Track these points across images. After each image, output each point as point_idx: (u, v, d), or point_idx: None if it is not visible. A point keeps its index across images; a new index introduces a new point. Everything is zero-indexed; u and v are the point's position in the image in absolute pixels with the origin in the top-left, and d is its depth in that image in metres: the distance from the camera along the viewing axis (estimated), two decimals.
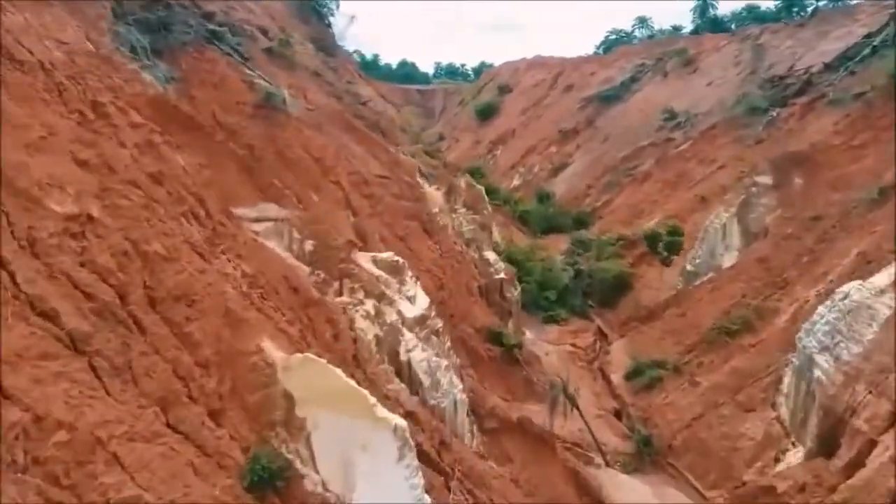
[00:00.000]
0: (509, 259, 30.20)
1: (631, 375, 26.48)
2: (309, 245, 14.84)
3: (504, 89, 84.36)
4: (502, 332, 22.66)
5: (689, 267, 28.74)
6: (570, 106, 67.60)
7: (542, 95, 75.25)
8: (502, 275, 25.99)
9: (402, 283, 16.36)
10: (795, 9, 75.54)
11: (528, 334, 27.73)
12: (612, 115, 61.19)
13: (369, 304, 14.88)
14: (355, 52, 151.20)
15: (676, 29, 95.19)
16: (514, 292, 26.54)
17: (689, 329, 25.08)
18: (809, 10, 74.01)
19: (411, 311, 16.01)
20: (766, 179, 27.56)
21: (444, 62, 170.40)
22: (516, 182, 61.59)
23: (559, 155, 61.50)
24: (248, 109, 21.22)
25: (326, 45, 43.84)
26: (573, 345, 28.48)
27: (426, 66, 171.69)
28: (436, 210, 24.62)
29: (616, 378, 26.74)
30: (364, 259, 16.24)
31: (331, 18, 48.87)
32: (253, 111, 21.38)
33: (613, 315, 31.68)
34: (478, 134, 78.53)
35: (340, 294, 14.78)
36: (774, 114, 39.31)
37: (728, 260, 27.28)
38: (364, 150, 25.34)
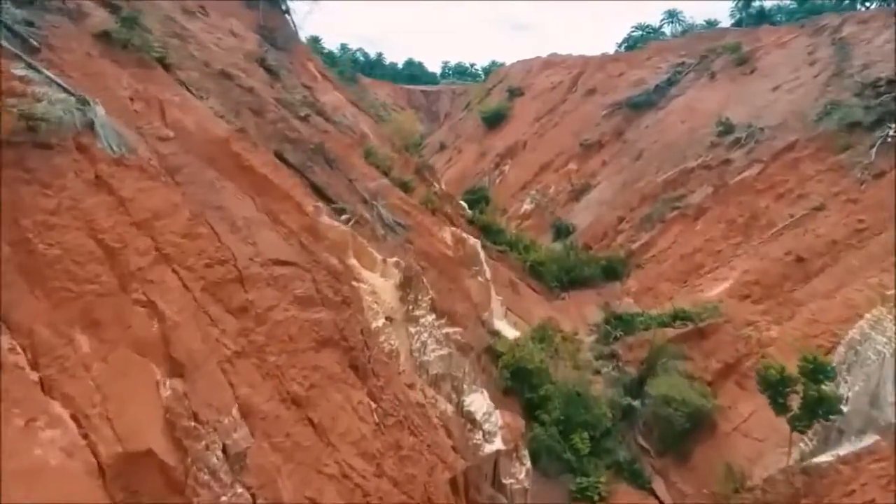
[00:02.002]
0: (514, 375, 19.01)
1: None
2: None
3: (515, 92, 73.04)
4: None
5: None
6: (593, 113, 56.35)
7: (559, 100, 63.94)
8: (498, 443, 15.03)
9: None
10: None
11: None
12: (645, 126, 49.94)
13: None
14: (358, 49, 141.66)
15: (711, 24, 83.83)
16: (521, 471, 15.55)
17: None
18: None
19: None
20: None
21: (453, 61, 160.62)
22: (527, 206, 50.45)
23: (580, 174, 50.28)
24: None
25: (279, 36, 33.29)
26: None
27: (435, 66, 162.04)
28: (380, 322, 13.66)
29: None
30: None
31: (289, 4, 38.45)
32: None
33: (687, 478, 20.01)
34: (483, 144, 67.34)
35: None
36: (892, 132, 28.00)
37: None
38: (257, 211, 14.46)
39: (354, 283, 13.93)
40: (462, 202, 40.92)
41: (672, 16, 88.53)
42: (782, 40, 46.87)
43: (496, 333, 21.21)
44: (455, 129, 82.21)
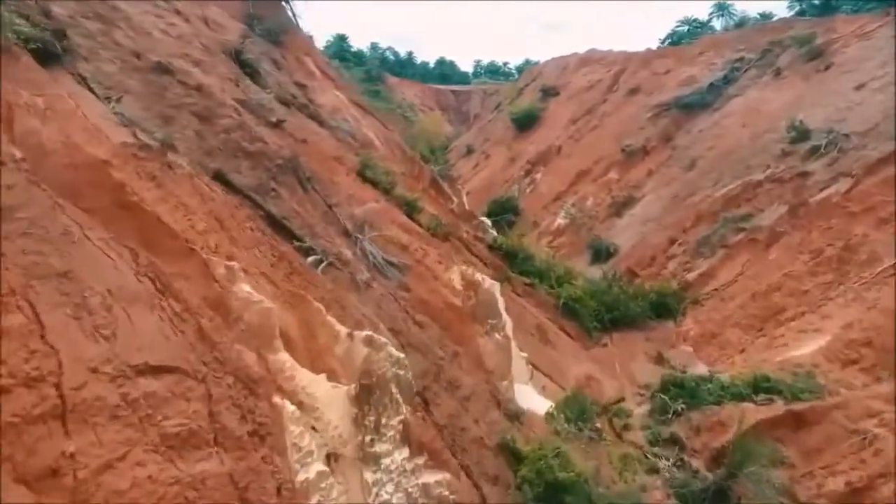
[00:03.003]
0: (541, 495, 13.37)
1: None
2: None
3: (549, 92, 67.14)
4: None
5: None
6: (637, 115, 50.21)
7: (597, 100, 57.85)
8: None
9: None
10: None
11: None
12: (699, 130, 43.66)
13: None
14: (388, 48, 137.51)
15: (765, 17, 76.41)
16: None
17: None
18: None
19: None
20: None
21: (486, 60, 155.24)
22: (561, 221, 44.64)
23: (622, 185, 44.27)
24: None
25: (269, 26, 28.52)
26: None
27: (467, 66, 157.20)
28: (311, 473, 8.28)
29: None
30: None
31: None
32: None
33: None
34: (513, 149, 61.67)
35: None
36: None
37: None
38: (136, 275, 9.28)
39: (277, 400, 8.61)
40: (485, 220, 35.42)
41: (722, 8, 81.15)
42: (864, 30, 40.08)
43: (516, 417, 15.73)
44: (484, 132, 76.68)
